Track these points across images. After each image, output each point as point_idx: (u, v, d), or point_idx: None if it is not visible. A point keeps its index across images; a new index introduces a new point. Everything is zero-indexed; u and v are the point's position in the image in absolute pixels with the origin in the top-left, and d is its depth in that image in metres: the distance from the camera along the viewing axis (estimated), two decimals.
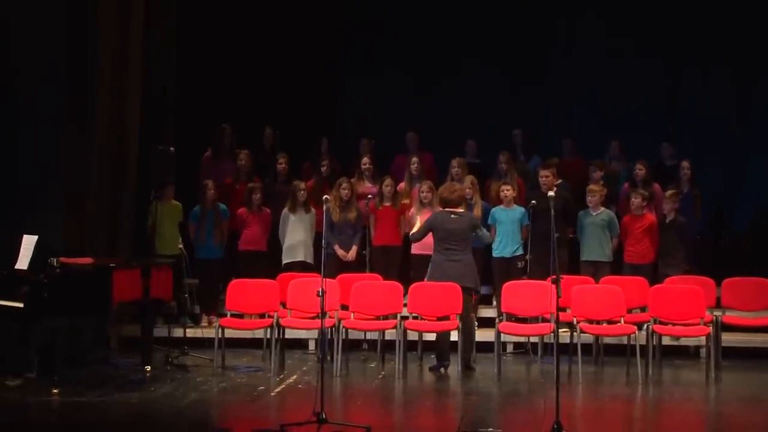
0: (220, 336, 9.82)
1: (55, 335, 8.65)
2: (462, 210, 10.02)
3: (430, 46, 14.00)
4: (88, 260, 9.27)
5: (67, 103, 10.37)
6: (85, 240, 10.52)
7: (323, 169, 12.00)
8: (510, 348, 10.96)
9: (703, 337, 9.91)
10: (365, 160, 12.09)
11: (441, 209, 10.04)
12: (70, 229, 10.34)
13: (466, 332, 9.77)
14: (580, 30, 14.01)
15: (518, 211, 11.08)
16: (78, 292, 8.74)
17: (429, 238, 10.90)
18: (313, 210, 11.38)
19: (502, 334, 9.93)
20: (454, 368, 9.72)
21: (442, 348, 9.95)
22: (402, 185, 11.74)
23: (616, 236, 11.13)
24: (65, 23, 10.33)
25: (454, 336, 9.87)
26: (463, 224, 9.87)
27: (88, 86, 10.63)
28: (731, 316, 10.32)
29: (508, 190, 11.12)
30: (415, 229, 10.19)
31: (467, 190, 10.97)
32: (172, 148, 11.00)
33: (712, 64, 13.80)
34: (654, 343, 9.99)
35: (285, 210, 11.38)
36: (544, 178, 11.15)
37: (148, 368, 9.59)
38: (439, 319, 9.82)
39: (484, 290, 11.28)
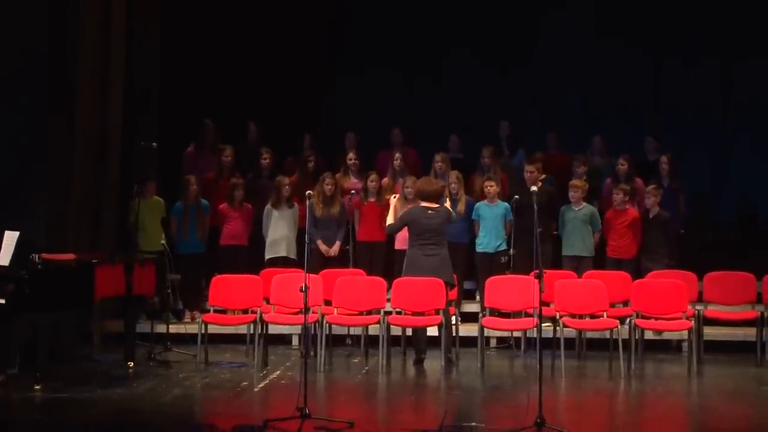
0: (203, 332, 9.81)
1: (38, 331, 8.61)
2: (438, 205, 10.02)
3: (415, 42, 14.00)
4: (70, 256, 9.23)
5: (49, 99, 10.31)
6: (68, 236, 10.49)
7: (309, 164, 11.98)
8: (493, 343, 10.98)
9: (686, 331, 9.98)
10: (351, 155, 12.08)
11: (418, 204, 10.03)
12: (53, 225, 10.30)
13: (446, 327, 9.79)
14: (565, 25, 13.98)
15: (502, 206, 11.09)
16: (60, 288, 8.71)
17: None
18: (296, 205, 11.37)
19: (485, 329, 9.94)
20: (438, 363, 9.74)
21: (420, 342, 9.99)
22: (385, 180, 11.74)
23: (598, 231, 11.16)
24: (47, 18, 10.28)
25: (432, 331, 9.89)
26: (438, 219, 9.88)
27: (70, 82, 10.57)
28: (713, 310, 10.38)
29: (491, 185, 11.13)
30: (390, 221, 10.22)
31: (453, 185, 10.99)
32: (154, 144, 10.98)
33: (695, 57, 13.84)
34: (636, 337, 10.03)
35: (268, 205, 11.36)
36: (529, 174, 11.19)
37: (131, 364, 9.56)
38: (415, 314, 9.83)
39: (467, 285, 11.32)
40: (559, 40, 13.92)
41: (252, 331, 10.13)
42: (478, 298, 11.17)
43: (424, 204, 9.93)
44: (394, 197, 10.57)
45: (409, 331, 10.42)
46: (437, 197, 10.03)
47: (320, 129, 13.18)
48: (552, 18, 14.01)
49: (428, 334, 10.04)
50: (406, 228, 10.72)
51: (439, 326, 9.71)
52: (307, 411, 7.31)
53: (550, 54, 13.91)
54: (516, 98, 13.81)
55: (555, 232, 11.30)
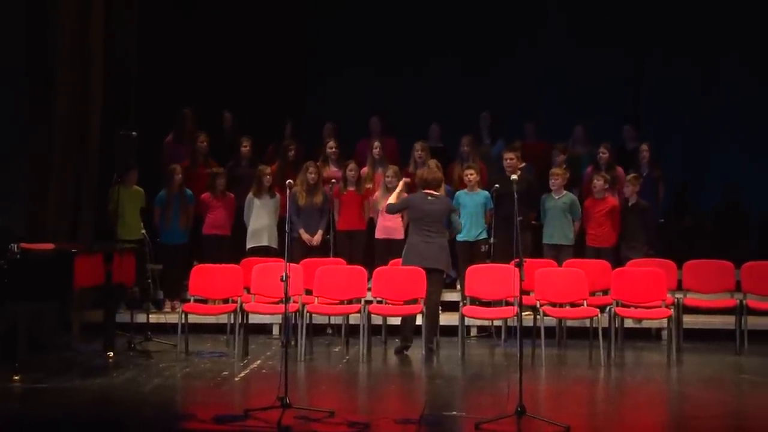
0: (183, 321, 9.78)
1: (17, 321, 8.56)
2: (439, 193, 10.06)
3: (396, 31, 13.95)
4: (49, 246, 9.18)
5: (28, 88, 10.25)
6: (48, 225, 10.43)
7: (290, 153, 11.95)
8: (474, 331, 11.01)
9: (665, 320, 10.02)
10: (331, 144, 12.06)
11: (419, 191, 10.06)
12: (32, 215, 10.24)
13: (431, 315, 9.80)
14: (545, 15, 13.99)
15: (482, 195, 11.10)
16: (39, 277, 8.63)
17: (394, 223, 10.94)
18: (278, 195, 11.35)
19: (465, 318, 9.95)
20: (419, 352, 9.74)
21: (406, 330, 9.99)
22: (365, 170, 11.72)
23: (578, 219, 11.19)
24: (24, 7, 10.22)
25: (418, 320, 9.91)
26: (439, 207, 9.92)
27: (49, 70, 10.51)
28: (692, 299, 10.43)
29: (471, 174, 11.13)
30: (392, 200, 10.23)
31: None
32: (134, 133, 10.92)
33: (675, 46, 13.84)
34: (616, 325, 10.06)
35: (250, 194, 11.35)
36: (508, 161, 11.20)
37: (111, 354, 9.54)
38: (406, 303, 9.84)
39: None
40: (540, 31, 13.91)
41: (232, 321, 10.11)
42: (458, 287, 11.18)
43: (425, 191, 9.94)
44: (404, 181, 10.59)
45: (390, 320, 10.43)
46: (438, 185, 10.08)
47: (301, 117, 13.13)
48: (533, 10, 13.98)
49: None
50: (389, 217, 10.75)
51: (421, 314, 9.71)
52: (288, 400, 7.30)
53: (531, 45, 13.89)
54: (497, 89, 13.78)
55: (534, 222, 11.31)
